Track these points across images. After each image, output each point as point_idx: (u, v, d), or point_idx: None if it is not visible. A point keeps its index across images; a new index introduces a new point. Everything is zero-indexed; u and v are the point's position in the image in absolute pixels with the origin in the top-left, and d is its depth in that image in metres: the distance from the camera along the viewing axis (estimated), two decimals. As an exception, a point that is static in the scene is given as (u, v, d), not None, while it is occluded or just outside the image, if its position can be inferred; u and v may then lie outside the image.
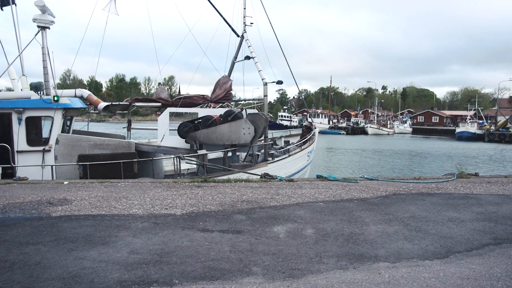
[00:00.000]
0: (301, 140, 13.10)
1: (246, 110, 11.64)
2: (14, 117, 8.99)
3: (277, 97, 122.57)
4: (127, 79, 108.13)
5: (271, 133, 14.41)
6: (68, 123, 10.24)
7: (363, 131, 68.56)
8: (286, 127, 47.17)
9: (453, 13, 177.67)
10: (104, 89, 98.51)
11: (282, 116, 79.70)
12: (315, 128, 14.43)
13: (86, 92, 10.84)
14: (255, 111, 13.64)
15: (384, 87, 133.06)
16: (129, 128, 12.34)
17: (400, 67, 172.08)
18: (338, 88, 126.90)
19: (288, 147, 11.97)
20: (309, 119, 24.47)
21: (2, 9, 10.50)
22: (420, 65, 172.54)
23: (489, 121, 69.30)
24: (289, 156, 11.00)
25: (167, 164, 10.84)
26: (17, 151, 8.94)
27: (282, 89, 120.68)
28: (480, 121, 63.10)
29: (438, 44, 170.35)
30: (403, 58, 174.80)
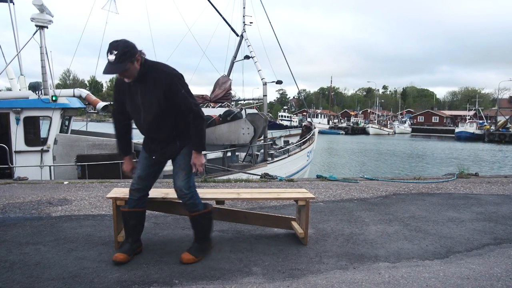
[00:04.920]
0: (300, 140, 13.10)
1: (245, 110, 11.64)
2: (12, 117, 8.97)
3: (277, 97, 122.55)
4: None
5: (271, 133, 14.40)
6: (67, 123, 10.22)
7: (363, 131, 68.41)
8: (286, 127, 47.21)
9: (434, 16, 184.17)
10: (104, 89, 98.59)
11: (282, 116, 79.63)
12: (314, 128, 14.43)
13: (84, 92, 10.83)
14: (255, 111, 13.64)
15: (384, 87, 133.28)
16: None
17: (390, 67, 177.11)
18: (338, 88, 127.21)
19: (288, 147, 11.96)
20: (309, 119, 24.49)
21: None
22: (410, 66, 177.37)
23: (489, 121, 69.29)
24: (289, 156, 10.98)
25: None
26: (15, 151, 8.92)
27: (282, 89, 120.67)
28: (480, 121, 63.03)
29: (423, 45, 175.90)
30: (391, 58, 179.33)
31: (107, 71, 2.57)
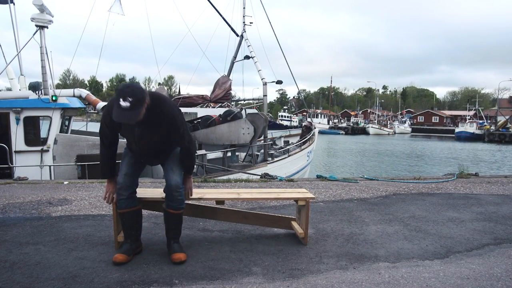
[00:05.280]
0: (300, 140, 13.10)
1: (245, 110, 11.64)
2: (12, 117, 8.97)
3: (277, 97, 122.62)
4: (127, 79, 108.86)
5: (271, 133, 14.40)
6: (67, 123, 10.23)
7: (363, 131, 68.34)
8: (286, 127, 47.19)
9: (432, 16, 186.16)
10: (104, 89, 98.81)
11: (282, 116, 79.64)
12: (315, 128, 14.43)
13: (84, 92, 10.84)
14: (255, 111, 13.64)
15: (384, 87, 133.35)
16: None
17: (389, 67, 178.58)
18: (338, 88, 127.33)
19: (288, 147, 11.96)
20: (309, 119, 24.50)
21: None
22: (410, 66, 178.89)
23: (489, 121, 69.25)
24: (289, 156, 10.98)
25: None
26: (15, 151, 8.92)
27: (282, 89, 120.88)
28: (480, 121, 63.01)
29: (422, 45, 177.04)
30: (390, 58, 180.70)
31: (121, 118, 2.52)
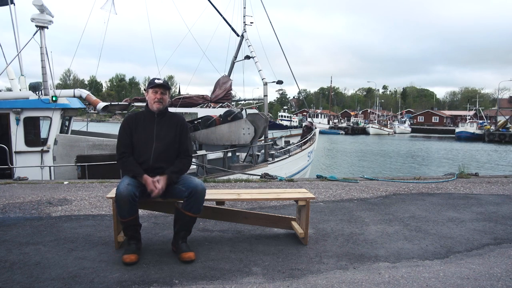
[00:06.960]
0: (301, 140, 13.09)
1: (246, 110, 11.63)
2: (12, 118, 8.96)
3: (277, 97, 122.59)
4: (126, 79, 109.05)
5: (271, 133, 14.39)
6: (67, 123, 10.22)
7: (363, 131, 68.25)
8: (286, 127, 47.17)
9: (427, 17, 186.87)
10: (104, 89, 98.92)
11: (282, 116, 79.60)
12: (315, 128, 14.41)
13: (85, 92, 10.83)
14: (255, 111, 13.63)
15: (384, 87, 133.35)
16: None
17: (386, 67, 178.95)
18: (338, 88, 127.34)
19: (289, 147, 11.94)
20: (309, 119, 24.50)
21: None
22: (406, 66, 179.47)
23: (488, 121, 69.21)
24: (290, 156, 10.97)
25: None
26: (15, 152, 8.91)
27: (282, 89, 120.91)
28: (480, 121, 62.91)
29: (418, 46, 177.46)
30: (386, 59, 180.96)
31: (160, 81, 3.30)
